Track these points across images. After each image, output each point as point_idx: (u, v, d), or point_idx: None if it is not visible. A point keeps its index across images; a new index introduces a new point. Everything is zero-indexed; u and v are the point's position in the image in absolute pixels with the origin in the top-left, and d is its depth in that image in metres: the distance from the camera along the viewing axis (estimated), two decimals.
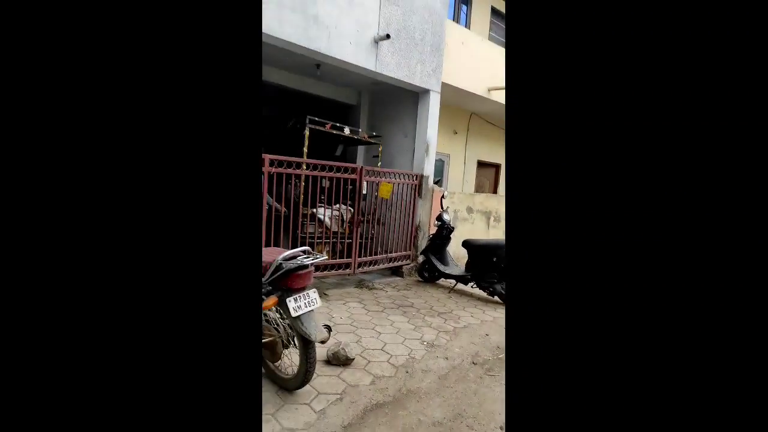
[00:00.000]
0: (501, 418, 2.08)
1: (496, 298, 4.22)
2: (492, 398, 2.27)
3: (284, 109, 6.09)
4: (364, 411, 2.00)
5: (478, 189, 8.46)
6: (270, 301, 1.81)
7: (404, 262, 4.98)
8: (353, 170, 4.29)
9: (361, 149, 6.16)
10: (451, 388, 2.35)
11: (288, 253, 1.87)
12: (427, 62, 5.03)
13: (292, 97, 5.81)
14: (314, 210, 4.24)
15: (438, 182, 5.50)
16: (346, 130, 4.69)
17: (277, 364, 2.10)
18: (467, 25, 7.51)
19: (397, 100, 5.56)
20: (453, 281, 4.61)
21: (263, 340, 1.94)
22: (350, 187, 4.37)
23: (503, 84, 6.69)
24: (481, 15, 7.77)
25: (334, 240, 4.31)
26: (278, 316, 2.00)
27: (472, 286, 4.42)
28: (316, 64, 4.63)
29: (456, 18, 7.32)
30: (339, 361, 2.40)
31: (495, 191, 8.87)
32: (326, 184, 4.26)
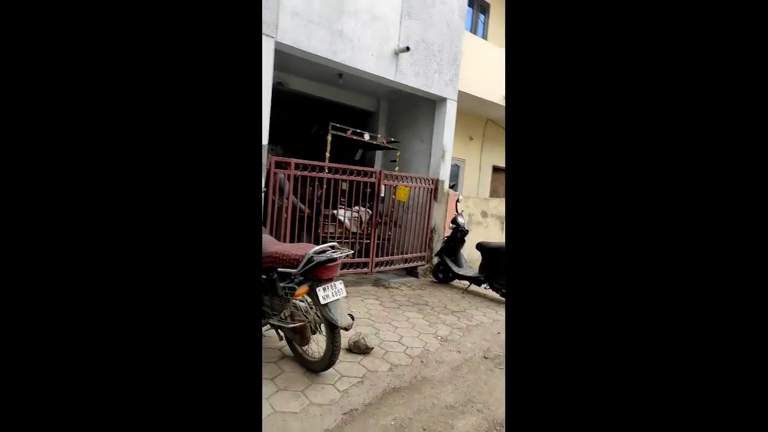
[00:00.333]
0: None
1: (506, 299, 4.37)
2: (501, 388, 2.44)
3: (307, 115, 6.38)
4: (383, 393, 2.21)
5: (493, 194, 8.58)
6: (302, 290, 2.05)
7: (419, 263, 5.17)
8: (372, 174, 4.53)
9: (379, 154, 6.39)
10: (462, 377, 2.53)
11: (318, 247, 2.10)
12: (444, 72, 5.24)
13: (315, 104, 6.10)
14: (335, 211, 4.48)
15: (453, 187, 5.68)
16: (366, 136, 4.93)
17: (305, 348, 2.33)
18: (484, 35, 7.69)
19: (414, 107, 5.78)
20: (467, 282, 4.77)
21: (295, 325, 2.17)
22: (368, 190, 4.60)
23: None
24: (498, 25, 7.94)
25: (353, 240, 4.54)
26: (308, 304, 2.23)
27: (485, 288, 4.58)
28: (338, 74, 4.89)
29: (474, 28, 7.51)
30: (359, 349, 2.61)
31: None
32: (345, 187, 4.50)
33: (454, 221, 4.86)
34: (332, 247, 2.16)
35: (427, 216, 5.17)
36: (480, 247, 4.63)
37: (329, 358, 2.14)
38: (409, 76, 4.87)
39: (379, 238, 4.67)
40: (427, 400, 2.20)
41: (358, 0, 4.27)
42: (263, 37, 3.61)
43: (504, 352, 2.99)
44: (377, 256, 4.62)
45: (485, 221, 6.10)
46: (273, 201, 3.69)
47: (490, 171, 8.40)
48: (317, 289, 2.03)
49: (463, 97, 6.02)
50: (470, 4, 7.11)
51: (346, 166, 4.25)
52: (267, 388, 2.08)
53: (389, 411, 2.05)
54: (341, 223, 4.59)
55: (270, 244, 2.38)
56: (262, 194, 3.79)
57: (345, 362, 2.46)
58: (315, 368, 2.23)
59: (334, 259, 2.07)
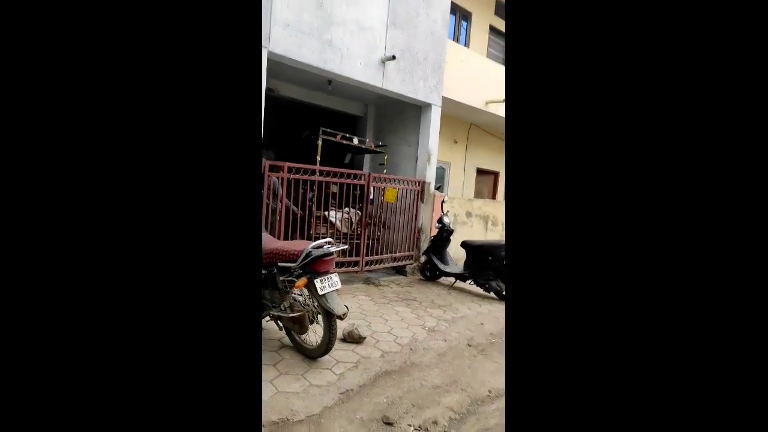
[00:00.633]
0: (490, 384, 2.49)
1: (491, 294, 4.62)
2: (483, 370, 2.68)
3: (297, 121, 6.56)
4: (375, 376, 2.41)
5: (477, 195, 8.89)
6: (301, 282, 2.24)
7: (407, 261, 5.39)
8: (362, 176, 4.74)
9: (367, 157, 6.61)
10: (448, 362, 2.75)
11: (316, 243, 2.30)
12: (429, 79, 5.50)
13: (305, 110, 6.29)
14: (326, 213, 4.67)
15: (439, 188, 5.93)
16: (355, 140, 5.15)
17: (303, 337, 2.52)
18: (467, 43, 8.00)
19: (401, 112, 6.02)
20: (452, 279, 5.01)
21: (294, 315, 2.36)
22: (358, 192, 4.81)
23: (500, 97, 7.16)
24: (479, 33, 8.28)
25: (344, 240, 4.73)
26: (307, 295, 2.42)
27: (470, 284, 4.83)
28: (327, 81, 5.10)
29: (456, 36, 7.82)
30: (353, 338, 2.81)
31: (494, 197, 9.30)
32: (335, 189, 4.70)
33: (440, 221, 5.10)
34: (328, 243, 2.36)
35: (414, 216, 5.40)
36: (465, 245, 4.88)
37: (326, 345, 2.34)
38: (396, 83, 5.11)
39: (368, 238, 4.88)
40: (416, 382, 2.41)
41: (346, 11, 4.49)
42: None
43: (486, 341, 3.23)
44: (367, 255, 4.82)
45: (470, 221, 6.37)
46: (267, 204, 3.87)
47: (474, 173, 8.71)
48: (315, 281, 2.23)
49: (447, 102, 6.29)
50: (452, 12, 7.40)
51: (336, 170, 4.45)
52: (269, 373, 2.26)
53: (381, 391, 2.26)
54: (332, 224, 4.78)
55: (270, 241, 2.57)
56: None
57: (340, 350, 2.66)
58: (313, 355, 2.42)
59: (331, 253, 2.28)
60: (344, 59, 4.53)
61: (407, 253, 5.37)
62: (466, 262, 4.85)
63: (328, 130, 4.78)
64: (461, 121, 7.99)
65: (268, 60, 3.97)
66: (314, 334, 2.53)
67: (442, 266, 5.00)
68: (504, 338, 3.30)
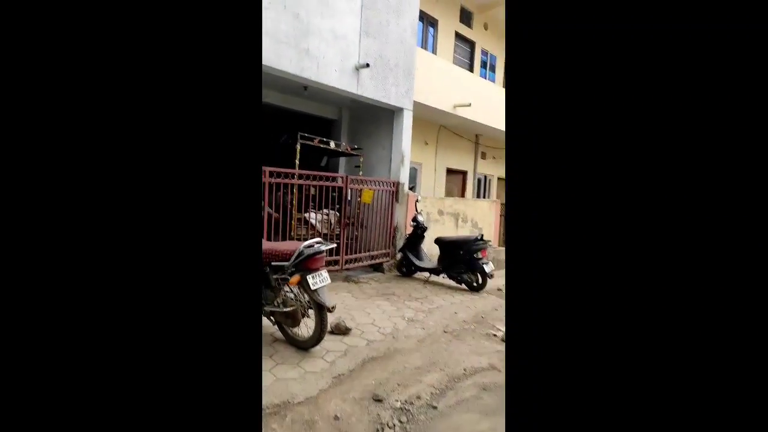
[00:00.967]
0: (464, 363, 2.80)
1: (463, 285, 4.98)
2: (458, 352, 2.99)
3: (272, 125, 6.67)
4: (363, 362, 2.66)
5: (448, 194, 9.30)
6: (294, 279, 2.46)
7: (384, 259, 5.66)
8: (340, 179, 4.96)
9: (342, 160, 6.82)
10: (427, 347, 3.05)
11: (307, 243, 2.52)
12: (400, 85, 5.79)
13: (280, 114, 6.41)
14: (306, 215, 4.85)
15: (412, 188, 6.24)
16: (332, 144, 5.35)
17: (295, 330, 2.73)
18: (434, 49, 8.37)
19: (374, 116, 6.27)
20: (427, 274, 5.33)
21: (288, 310, 2.57)
22: (335, 194, 5.02)
23: (466, 101, 7.58)
24: (446, 39, 8.67)
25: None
26: (297, 291, 2.63)
27: (443, 277, 5.17)
28: (303, 87, 5.27)
29: (424, 43, 8.16)
30: (340, 330, 3.05)
31: (463, 195, 9.74)
32: (313, 192, 4.89)
33: (414, 219, 5.41)
34: (318, 242, 2.59)
35: (390, 216, 5.68)
36: (438, 241, 5.21)
37: (318, 335, 2.56)
38: (370, 89, 5.36)
39: (347, 238, 5.10)
40: (400, 365, 2.69)
41: (322, 21, 4.69)
42: None
43: (460, 327, 3.56)
44: (346, 254, 5.05)
45: (441, 219, 6.72)
46: None
47: (444, 173, 9.11)
48: (307, 278, 2.45)
49: (417, 106, 6.61)
50: (420, 19, 7.74)
51: (315, 173, 4.65)
52: (267, 364, 2.46)
53: (369, 374, 2.51)
54: (312, 225, 4.97)
55: (263, 243, 2.75)
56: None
57: (329, 341, 2.89)
58: (306, 345, 2.64)
59: (321, 252, 2.51)
60: (321, 67, 4.73)
61: (384, 251, 5.64)
62: (439, 258, 5.18)
63: (306, 134, 4.96)
64: (431, 123, 8.35)
65: None
66: (305, 327, 2.75)
67: (417, 262, 5.31)
68: (475, 324, 3.64)
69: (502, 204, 8.11)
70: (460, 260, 4.92)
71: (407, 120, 5.98)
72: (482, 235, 5.18)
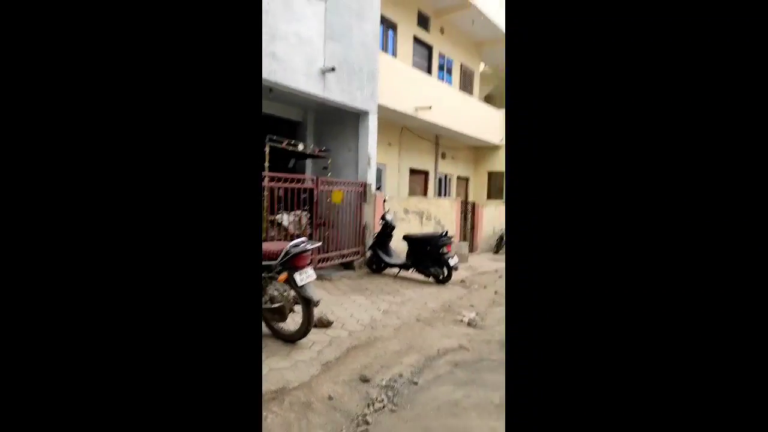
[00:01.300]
0: (437, 345, 3.10)
1: (430, 278, 5.33)
2: (431, 337, 3.29)
3: None
4: (347, 350, 2.89)
5: (411, 193, 9.67)
6: (283, 276, 2.62)
7: (354, 257, 5.88)
8: (311, 181, 5.11)
9: (309, 162, 6.93)
10: (403, 334, 3.33)
11: (293, 242, 2.70)
12: (365, 88, 6.03)
13: None
14: (277, 216, 4.95)
15: (379, 188, 6.50)
16: (300, 147, 5.47)
17: (281, 325, 2.89)
18: (394, 53, 8.68)
19: (340, 118, 6.46)
20: (397, 269, 5.63)
21: (277, 306, 2.73)
22: (305, 195, 5.16)
23: (426, 104, 7.96)
24: (405, 43, 9.01)
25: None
26: (287, 287, 2.80)
27: (412, 272, 5.48)
28: (269, 89, 5.35)
29: (384, 46, 8.44)
30: (323, 323, 3.24)
31: (425, 194, 10.17)
32: (282, 193, 5.00)
33: (383, 218, 5.67)
34: (303, 241, 2.77)
35: (359, 215, 5.91)
36: (406, 238, 5.52)
37: (305, 328, 2.75)
38: (336, 92, 5.55)
39: (319, 238, 5.26)
40: (380, 350, 2.94)
41: (287, 25, 4.81)
42: None
43: (431, 316, 3.87)
44: (318, 253, 5.21)
45: (407, 217, 7.05)
46: None
47: (407, 173, 9.47)
48: (294, 275, 2.63)
49: (380, 108, 6.87)
50: (380, 23, 8.02)
51: (286, 175, 4.77)
52: None
53: (355, 360, 2.74)
54: (284, 227, 5.08)
55: None
56: None
57: (313, 334, 3.07)
58: (293, 338, 2.81)
59: (308, 250, 2.69)
60: (287, 71, 4.85)
61: (354, 250, 5.86)
62: (408, 253, 5.49)
63: (275, 137, 5.05)
64: (394, 125, 8.66)
65: None
66: (292, 322, 2.92)
67: (387, 259, 5.58)
68: (444, 312, 3.97)
69: (462, 202, 8.60)
70: (427, 255, 5.26)
71: (372, 123, 6.23)
72: (447, 232, 5.56)
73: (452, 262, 5.19)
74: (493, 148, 11.43)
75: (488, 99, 13.19)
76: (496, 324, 3.72)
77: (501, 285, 5.42)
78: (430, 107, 7.97)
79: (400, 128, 8.96)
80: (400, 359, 2.81)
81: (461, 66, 11.00)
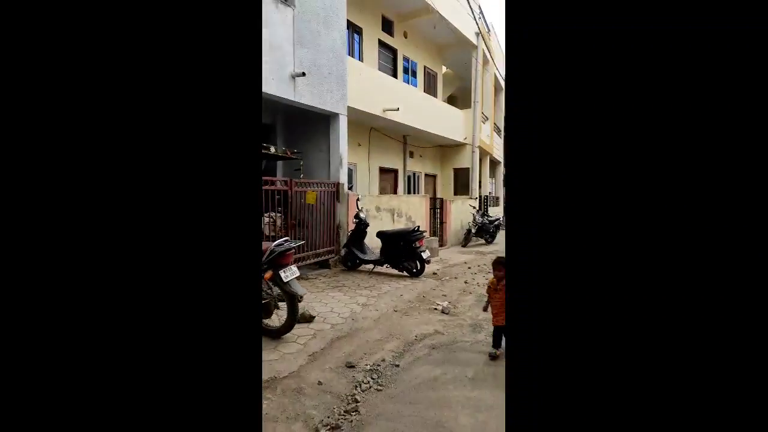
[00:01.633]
0: (415, 332, 3.34)
1: (404, 272, 5.58)
2: (408, 325, 3.53)
3: None
4: (331, 341, 3.06)
5: (382, 191, 9.91)
6: (268, 274, 2.76)
7: (329, 256, 6.03)
8: (285, 182, 5.21)
9: (279, 163, 6.99)
10: (383, 323, 3.55)
11: (277, 242, 2.84)
12: (334, 91, 6.19)
13: None
14: None
15: (350, 188, 6.68)
16: (272, 149, 5.56)
17: (266, 321, 3.02)
18: (360, 57, 8.88)
19: (310, 120, 6.57)
20: (371, 265, 5.84)
21: (263, 302, 2.85)
22: (279, 196, 5.26)
23: (393, 105, 8.22)
24: (370, 47, 9.24)
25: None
26: (272, 284, 2.93)
27: (386, 267, 5.71)
28: None
29: (351, 50, 8.62)
30: (305, 318, 3.39)
31: (395, 192, 10.45)
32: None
33: (356, 216, 5.86)
34: (286, 240, 2.92)
35: (332, 215, 6.06)
36: (380, 235, 5.74)
37: (290, 323, 2.90)
38: (306, 96, 5.68)
39: (294, 238, 5.37)
40: (362, 339, 3.14)
41: None
42: None
43: (407, 306, 4.12)
44: (293, 254, 5.32)
45: (379, 215, 7.27)
46: None
47: (377, 172, 9.70)
48: (279, 272, 2.77)
49: (350, 110, 7.06)
50: (347, 27, 8.19)
51: (264, 178, 4.85)
52: None
53: (339, 349, 2.93)
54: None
55: None
56: None
57: (298, 328, 3.22)
58: (279, 333, 2.95)
59: (292, 248, 2.84)
60: None
61: (329, 248, 6.01)
62: (382, 249, 5.71)
63: None
64: (363, 125, 8.86)
65: None
66: (276, 318, 3.06)
67: (361, 255, 5.78)
68: (419, 303, 4.23)
69: (431, 198, 8.95)
70: (400, 250, 5.51)
71: (343, 125, 6.40)
72: (418, 227, 5.84)
73: (425, 255, 5.46)
74: (458, 145, 11.90)
75: (451, 100, 13.69)
76: (467, 310, 4.02)
77: (470, 276, 5.77)
78: (398, 108, 8.23)
79: (369, 129, 9.17)
80: (381, 346, 3.03)
81: (425, 68, 11.37)
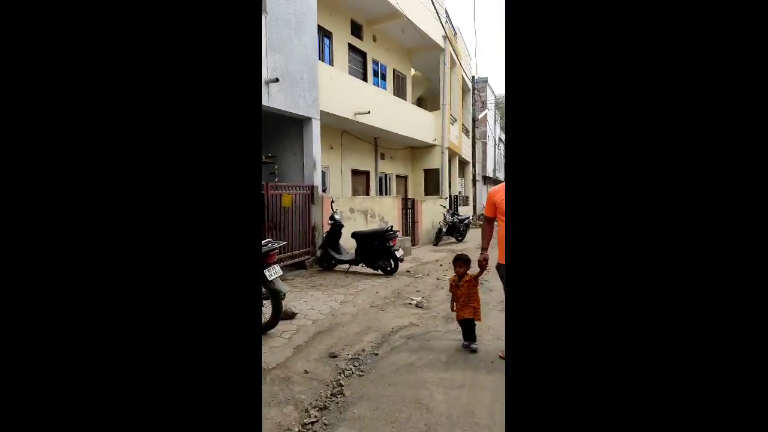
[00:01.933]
0: (391, 325, 3.59)
1: (379, 271, 5.82)
2: (385, 319, 3.78)
3: None
4: (314, 335, 3.25)
5: (354, 193, 10.11)
6: None
7: (306, 257, 6.17)
8: (261, 186, 5.32)
9: None
10: (361, 318, 3.77)
11: (262, 242, 3.00)
12: (307, 96, 6.33)
13: None
14: None
15: (324, 190, 6.84)
16: None
17: None
18: (331, 61, 9.04)
19: (282, 124, 6.67)
20: (347, 265, 6.03)
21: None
22: None
23: (364, 108, 8.45)
24: (340, 51, 9.42)
25: None
26: None
27: (362, 266, 5.93)
28: None
29: (321, 54, 8.77)
30: (287, 315, 3.56)
31: (368, 193, 10.68)
32: None
33: (331, 218, 6.04)
34: (269, 241, 3.08)
35: (308, 217, 6.21)
36: (355, 235, 5.95)
37: (275, 319, 3.06)
38: (279, 100, 5.79)
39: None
40: (343, 333, 3.35)
41: None
42: None
43: (383, 302, 4.36)
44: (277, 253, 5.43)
45: (353, 216, 7.48)
46: None
47: (350, 174, 9.89)
48: (264, 271, 2.93)
49: (322, 114, 7.22)
50: (317, 31, 8.32)
51: None
52: None
53: (321, 342, 3.12)
54: None
55: None
56: None
57: (281, 325, 3.38)
58: (265, 329, 3.11)
59: (275, 248, 3.01)
60: None
61: (305, 250, 6.15)
62: (357, 249, 5.92)
63: None
64: (334, 128, 9.03)
65: None
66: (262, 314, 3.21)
67: (337, 256, 5.96)
68: (394, 298, 4.48)
69: (403, 199, 9.24)
70: (375, 250, 5.74)
71: (316, 129, 6.56)
72: (392, 227, 6.09)
73: (398, 254, 5.73)
74: (428, 147, 12.28)
75: (420, 102, 14.08)
76: (440, 304, 4.31)
77: (442, 273, 6.09)
78: (369, 112, 8.46)
79: (341, 132, 9.35)
80: (361, 338, 3.25)
81: (394, 71, 11.67)
